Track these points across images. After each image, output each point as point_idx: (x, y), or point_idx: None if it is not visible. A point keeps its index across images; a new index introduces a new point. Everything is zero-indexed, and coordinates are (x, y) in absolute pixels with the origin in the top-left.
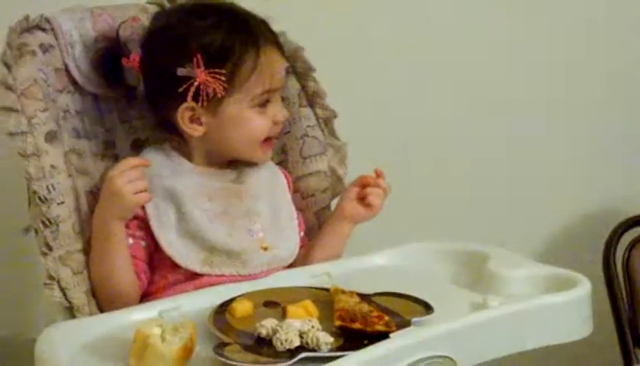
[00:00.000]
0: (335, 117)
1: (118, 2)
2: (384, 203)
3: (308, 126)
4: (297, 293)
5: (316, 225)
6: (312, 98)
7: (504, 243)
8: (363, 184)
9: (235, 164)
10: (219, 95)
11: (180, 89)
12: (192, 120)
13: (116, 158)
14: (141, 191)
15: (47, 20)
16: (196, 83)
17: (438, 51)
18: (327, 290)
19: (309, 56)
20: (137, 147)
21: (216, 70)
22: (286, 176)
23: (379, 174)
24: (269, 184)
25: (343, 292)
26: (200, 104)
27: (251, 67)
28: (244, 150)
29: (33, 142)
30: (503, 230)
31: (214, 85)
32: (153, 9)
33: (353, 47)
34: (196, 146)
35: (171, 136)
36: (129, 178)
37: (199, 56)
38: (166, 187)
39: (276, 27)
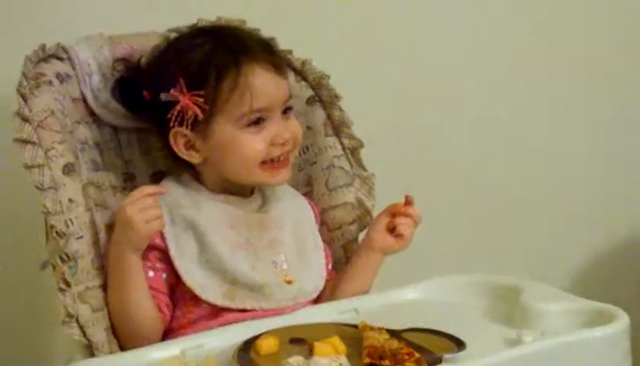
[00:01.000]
0: (362, 146)
1: (139, 30)
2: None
3: (335, 156)
4: (324, 330)
5: (343, 258)
6: (338, 127)
7: (538, 276)
8: (392, 213)
9: (260, 192)
10: (200, 118)
11: (169, 115)
12: (187, 147)
13: None
14: (154, 219)
15: (64, 49)
16: (178, 107)
17: (473, 76)
18: (355, 326)
19: (335, 84)
20: (158, 179)
21: (196, 92)
22: (313, 207)
23: (408, 202)
24: (295, 214)
25: (371, 328)
26: (186, 128)
27: (231, 86)
28: (242, 174)
29: (50, 175)
30: (537, 262)
31: (194, 108)
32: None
33: (380, 71)
34: (207, 174)
35: (185, 167)
36: (142, 206)
37: (181, 79)
38: (186, 217)
39: (300, 52)
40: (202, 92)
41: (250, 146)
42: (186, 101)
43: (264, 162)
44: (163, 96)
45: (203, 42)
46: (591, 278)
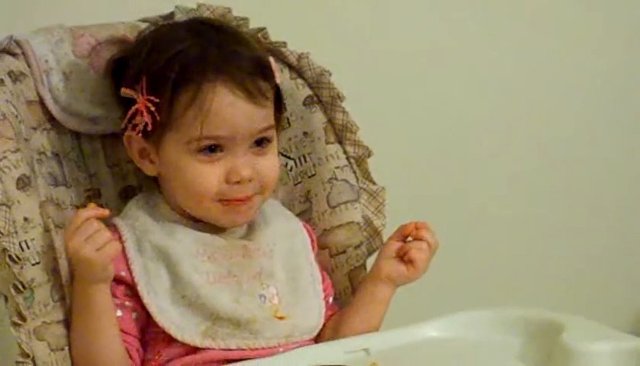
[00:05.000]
0: (370, 155)
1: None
2: (430, 261)
3: (337, 167)
4: None
5: (349, 288)
6: (341, 133)
7: (582, 311)
8: (403, 236)
9: None
10: (149, 128)
11: (128, 115)
12: (142, 155)
13: None
14: (106, 244)
15: (17, 43)
16: (133, 108)
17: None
18: None
19: (336, 80)
20: (127, 196)
21: (152, 98)
22: (309, 232)
23: (420, 227)
24: (287, 239)
25: None
26: (137, 134)
27: (187, 103)
28: (192, 206)
29: (3, 189)
30: (580, 295)
31: (146, 114)
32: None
33: (390, 72)
34: (166, 193)
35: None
36: (86, 234)
37: (144, 77)
38: (157, 245)
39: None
40: (157, 100)
41: (198, 177)
42: (141, 105)
43: (222, 200)
44: (123, 90)
45: (181, 39)
46: None
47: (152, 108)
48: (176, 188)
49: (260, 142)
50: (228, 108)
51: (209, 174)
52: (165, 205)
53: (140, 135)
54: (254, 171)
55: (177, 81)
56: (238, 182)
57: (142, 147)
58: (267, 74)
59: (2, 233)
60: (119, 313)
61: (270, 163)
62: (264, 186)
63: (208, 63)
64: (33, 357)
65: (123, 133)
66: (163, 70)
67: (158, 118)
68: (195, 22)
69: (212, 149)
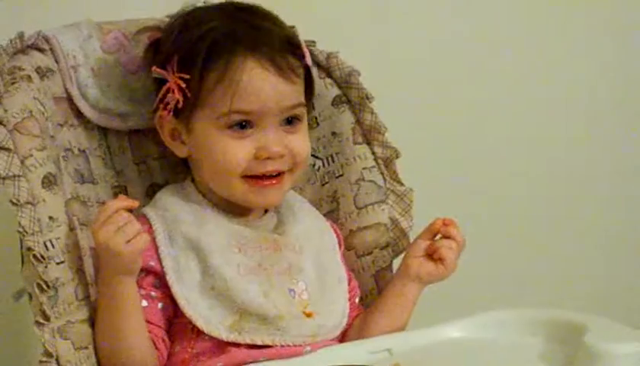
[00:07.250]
0: (398, 156)
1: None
2: (458, 259)
3: (365, 168)
4: None
5: (375, 289)
6: (369, 134)
7: (605, 312)
8: (431, 234)
9: (275, 210)
10: (179, 105)
11: (160, 95)
12: (174, 136)
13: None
14: (135, 236)
15: (45, 39)
16: (164, 88)
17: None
18: None
19: (365, 81)
20: (154, 194)
21: (183, 75)
22: (336, 232)
23: (448, 224)
24: (315, 238)
25: None
26: (168, 113)
27: (217, 78)
28: (220, 184)
29: (28, 187)
30: (606, 296)
31: (177, 91)
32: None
33: (419, 71)
34: (199, 179)
35: (186, 174)
36: (116, 225)
37: (175, 56)
38: (187, 236)
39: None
40: (187, 77)
41: (227, 152)
42: (172, 83)
43: (247, 176)
44: (154, 70)
45: (210, 19)
46: None
47: (183, 85)
48: (205, 167)
49: (291, 121)
50: (258, 82)
51: (238, 150)
52: (196, 193)
53: (171, 114)
54: (285, 147)
55: (207, 57)
56: (267, 158)
57: (173, 127)
58: (297, 52)
59: (27, 232)
60: (144, 303)
61: (301, 140)
62: (296, 163)
63: (238, 39)
64: (57, 357)
65: (154, 113)
66: (193, 47)
67: (188, 95)
68: (226, 4)
69: (243, 125)
